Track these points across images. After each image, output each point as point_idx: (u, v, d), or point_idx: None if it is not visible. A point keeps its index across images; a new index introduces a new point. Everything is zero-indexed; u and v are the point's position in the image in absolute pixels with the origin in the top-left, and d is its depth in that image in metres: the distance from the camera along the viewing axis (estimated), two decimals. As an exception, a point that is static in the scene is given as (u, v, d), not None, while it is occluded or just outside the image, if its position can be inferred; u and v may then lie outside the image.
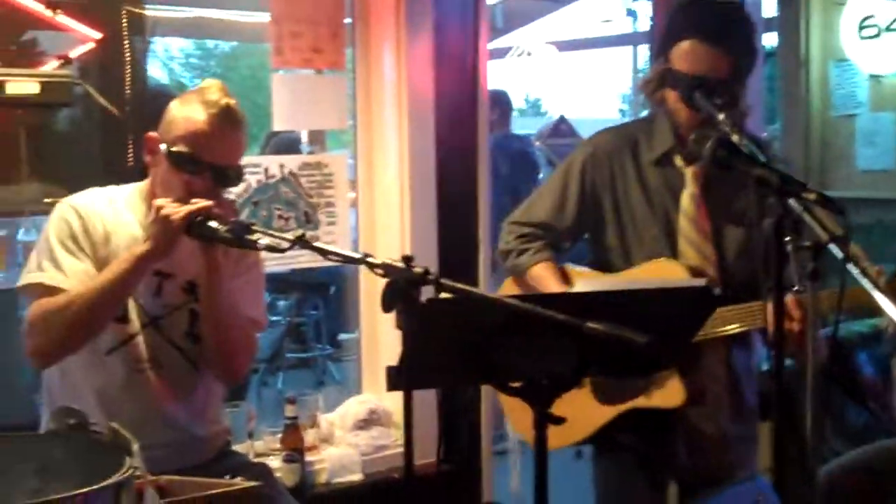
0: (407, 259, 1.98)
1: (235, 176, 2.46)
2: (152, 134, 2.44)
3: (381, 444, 3.58)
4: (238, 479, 1.76)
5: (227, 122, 2.39)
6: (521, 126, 11.00)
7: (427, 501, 3.12)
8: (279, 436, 3.29)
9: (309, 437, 3.37)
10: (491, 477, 3.81)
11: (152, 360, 2.49)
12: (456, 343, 2.00)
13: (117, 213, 2.48)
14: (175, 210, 2.28)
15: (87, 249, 2.41)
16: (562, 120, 7.40)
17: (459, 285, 1.95)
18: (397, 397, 3.66)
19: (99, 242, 2.43)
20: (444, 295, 1.95)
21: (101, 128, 3.17)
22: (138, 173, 2.66)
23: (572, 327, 1.85)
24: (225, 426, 2.76)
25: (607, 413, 2.72)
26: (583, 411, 2.67)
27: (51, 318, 2.32)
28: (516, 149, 6.34)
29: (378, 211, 3.73)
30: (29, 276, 2.40)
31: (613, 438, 2.80)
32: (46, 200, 2.88)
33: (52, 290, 2.35)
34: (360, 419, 3.60)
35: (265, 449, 3.31)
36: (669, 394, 2.62)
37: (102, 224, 2.44)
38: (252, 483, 1.74)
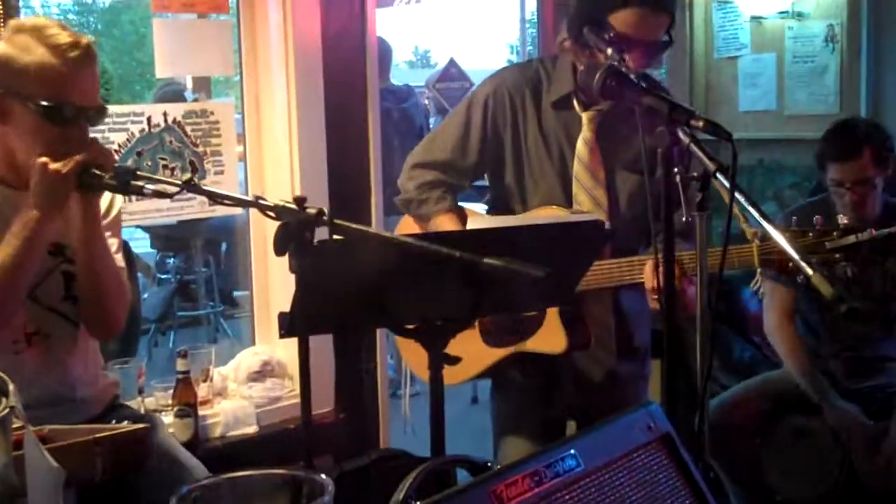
0: (299, 200, 1.94)
1: (101, 114, 2.35)
2: None
3: (275, 395, 3.54)
4: (125, 423, 1.70)
5: (87, 62, 2.27)
6: (411, 77, 10.92)
7: (324, 450, 3.13)
8: (171, 391, 3.22)
9: (202, 391, 3.31)
10: (388, 423, 3.81)
11: (35, 333, 2.41)
12: (350, 286, 1.97)
13: None
14: (61, 165, 2.17)
15: None
16: (451, 64, 7.27)
17: (354, 225, 1.92)
18: (291, 348, 3.63)
19: None
20: (336, 237, 1.93)
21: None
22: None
23: (469, 263, 1.84)
24: (111, 380, 2.69)
25: (495, 354, 2.74)
26: (472, 351, 2.69)
27: None
28: (385, 108, 6.16)
29: (266, 160, 3.65)
30: None
31: (508, 376, 2.82)
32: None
33: None
34: (253, 371, 3.55)
35: (156, 405, 3.23)
36: (552, 340, 2.65)
37: None
38: (139, 426, 1.69)
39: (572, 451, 1.45)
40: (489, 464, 1.58)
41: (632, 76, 2.10)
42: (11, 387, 1.15)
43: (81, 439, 1.37)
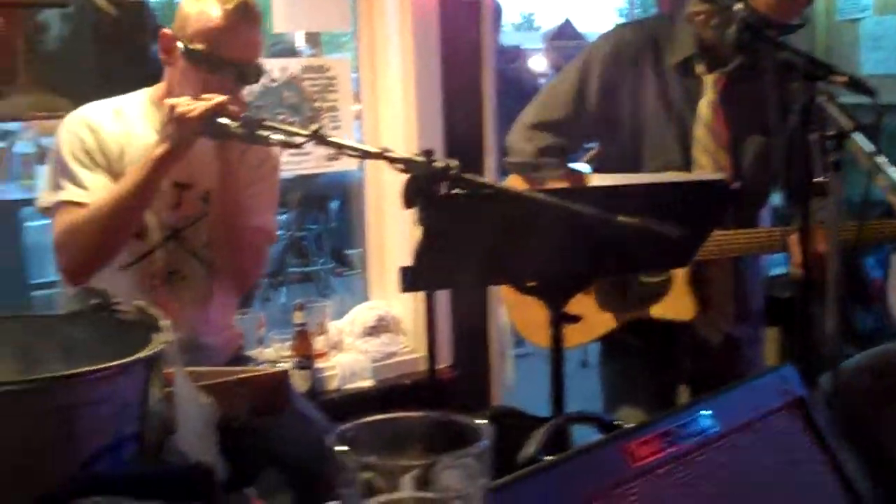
0: (427, 153, 1.93)
1: (254, 74, 2.42)
2: (166, 31, 2.39)
3: (390, 350, 3.57)
4: (264, 366, 1.73)
5: (243, 18, 2.34)
6: (515, 40, 10.82)
7: (438, 406, 3.13)
8: (289, 343, 3.27)
9: (318, 344, 3.36)
10: (501, 381, 3.81)
11: (173, 273, 2.49)
12: (475, 241, 1.96)
13: (128, 126, 2.44)
14: (190, 108, 2.24)
15: (103, 164, 2.38)
16: (567, 23, 7.19)
17: (482, 179, 1.91)
18: (406, 304, 3.67)
19: (114, 158, 2.39)
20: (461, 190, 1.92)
21: (97, 32, 3.09)
22: (138, 80, 2.60)
23: (600, 220, 1.81)
24: (238, 331, 2.75)
25: (615, 320, 2.72)
26: (589, 316, 2.66)
27: (76, 233, 2.30)
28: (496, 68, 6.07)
29: (382, 117, 3.66)
30: (49, 196, 2.38)
31: (621, 341, 2.80)
32: (44, 112, 2.84)
33: (74, 207, 2.32)
34: (368, 326, 3.58)
35: (275, 356, 3.29)
36: (681, 306, 2.61)
37: (115, 138, 2.40)
38: (279, 369, 1.72)
39: (707, 412, 1.42)
40: (616, 423, 1.55)
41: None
42: (164, 322, 1.17)
43: (225, 379, 1.39)
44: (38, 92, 3.01)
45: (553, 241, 1.97)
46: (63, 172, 2.36)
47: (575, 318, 2.08)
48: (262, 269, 2.61)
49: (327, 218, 7.15)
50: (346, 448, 0.75)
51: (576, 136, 2.75)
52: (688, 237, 2.12)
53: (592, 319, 2.70)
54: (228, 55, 2.33)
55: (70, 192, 2.34)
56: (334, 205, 7.19)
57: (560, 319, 2.06)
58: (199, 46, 2.31)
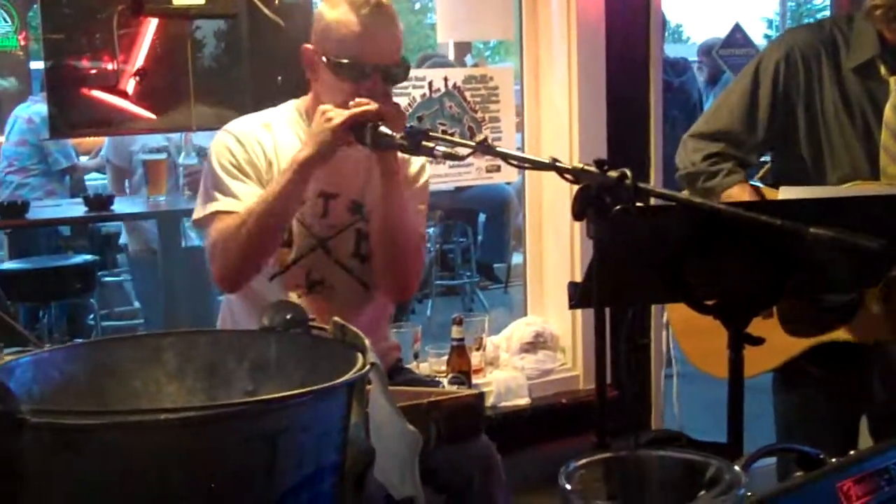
0: (600, 163, 1.83)
1: (402, 72, 2.38)
2: (307, 46, 2.38)
3: (547, 367, 3.49)
4: (455, 388, 1.64)
5: (380, 20, 2.30)
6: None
7: (597, 427, 3.02)
8: (444, 358, 3.21)
9: (475, 359, 3.29)
10: (661, 403, 3.67)
11: (317, 283, 2.45)
12: (651, 255, 1.86)
13: (277, 137, 2.43)
14: (338, 113, 2.21)
15: (253, 175, 2.37)
16: (737, 29, 6.80)
17: (661, 189, 1.80)
18: (565, 320, 3.57)
19: (263, 169, 2.39)
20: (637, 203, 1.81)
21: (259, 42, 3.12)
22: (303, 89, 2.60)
23: (790, 234, 1.68)
24: (394, 343, 2.70)
25: (799, 344, 2.54)
26: (771, 340, 2.51)
27: (227, 240, 2.30)
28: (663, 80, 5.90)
29: (545, 128, 3.58)
30: (202, 209, 2.39)
31: (798, 370, 2.63)
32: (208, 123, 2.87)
33: (226, 216, 2.33)
34: (525, 342, 3.50)
35: (431, 371, 3.24)
36: (869, 328, 2.43)
37: (263, 151, 2.40)
38: (473, 391, 1.63)
39: (925, 449, 1.28)
40: (821, 456, 1.42)
41: None
42: (368, 342, 1.09)
43: (418, 402, 1.31)
44: (202, 104, 3.05)
45: (736, 257, 1.85)
46: (215, 185, 2.37)
47: (758, 340, 1.95)
48: (421, 273, 2.57)
49: (475, 231, 7.11)
50: (576, 489, 0.67)
51: (747, 149, 2.60)
52: (887, 252, 1.97)
53: (771, 345, 2.54)
54: (372, 60, 2.29)
55: (222, 203, 2.34)
56: (481, 218, 7.16)
57: (741, 341, 1.93)
58: (342, 58, 2.29)
